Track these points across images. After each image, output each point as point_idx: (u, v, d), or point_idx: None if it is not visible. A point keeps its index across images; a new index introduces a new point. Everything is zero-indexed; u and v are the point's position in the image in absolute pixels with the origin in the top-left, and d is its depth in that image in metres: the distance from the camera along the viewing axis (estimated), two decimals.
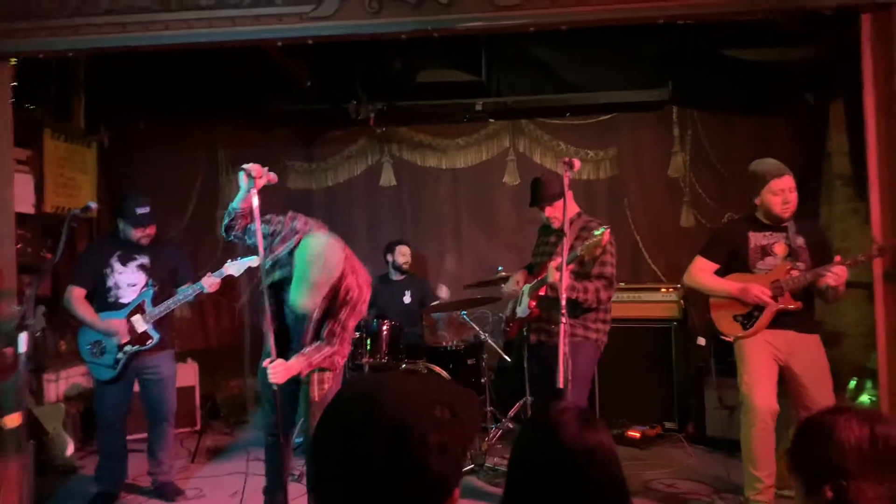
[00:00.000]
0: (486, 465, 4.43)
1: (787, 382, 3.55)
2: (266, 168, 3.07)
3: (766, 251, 3.59)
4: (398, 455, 0.92)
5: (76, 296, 3.97)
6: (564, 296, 3.06)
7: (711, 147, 5.69)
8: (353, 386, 1.05)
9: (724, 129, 5.64)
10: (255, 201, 3.02)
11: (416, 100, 5.62)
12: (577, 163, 3.22)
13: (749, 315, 3.58)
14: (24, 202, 4.91)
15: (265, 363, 3.06)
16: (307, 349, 3.11)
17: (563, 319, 3.01)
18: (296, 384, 3.20)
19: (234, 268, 3.91)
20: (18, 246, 4.13)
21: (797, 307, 3.50)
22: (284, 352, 3.12)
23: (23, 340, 3.05)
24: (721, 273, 3.68)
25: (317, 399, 3.20)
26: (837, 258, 3.44)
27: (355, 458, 0.93)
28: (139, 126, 5.88)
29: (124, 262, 4.01)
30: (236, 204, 3.11)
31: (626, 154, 5.94)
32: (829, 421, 1.37)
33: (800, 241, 3.56)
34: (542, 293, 3.76)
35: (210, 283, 3.89)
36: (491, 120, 6.03)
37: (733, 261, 3.66)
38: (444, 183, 6.21)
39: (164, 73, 5.01)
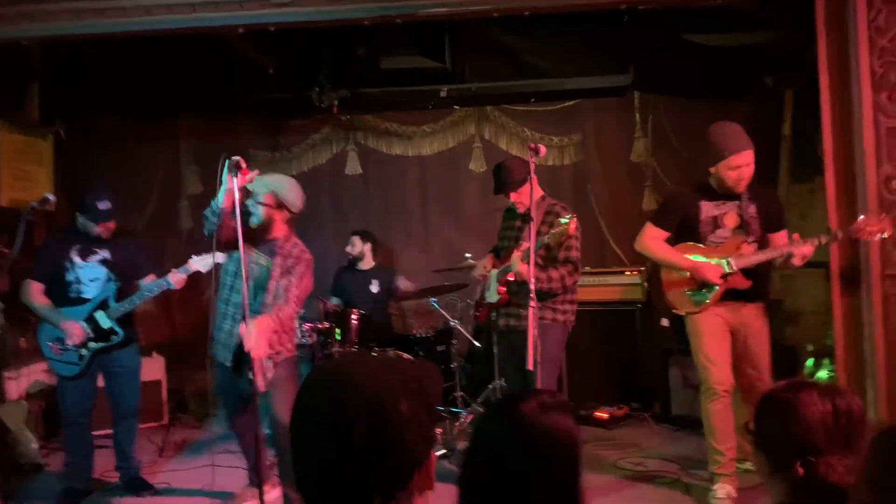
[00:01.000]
0: (458, 449, 4.46)
1: (732, 348, 3.60)
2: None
3: (717, 223, 3.58)
4: (377, 429, 0.96)
5: (34, 290, 3.89)
6: (539, 283, 3.10)
7: (673, 132, 5.78)
8: (323, 370, 1.08)
9: (686, 114, 5.73)
10: (237, 196, 3.02)
11: (380, 87, 5.58)
12: (542, 149, 3.26)
13: (699, 292, 3.61)
14: None
15: (239, 331, 3.18)
16: (270, 310, 3.31)
17: (532, 303, 3.05)
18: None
19: (200, 264, 3.84)
20: None
21: (748, 285, 3.52)
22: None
23: None
24: (672, 241, 3.69)
25: (262, 389, 3.23)
26: (796, 236, 3.46)
27: (337, 436, 0.96)
28: (97, 117, 5.74)
29: (84, 257, 3.93)
30: (221, 200, 3.15)
31: (589, 140, 5.99)
32: (791, 398, 1.39)
33: (752, 209, 3.55)
34: (510, 278, 3.79)
35: (176, 279, 3.83)
36: (456, 107, 6.02)
37: (684, 229, 3.66)
38: (411, 171, 6.20)
39: (124, 62, 4.90)
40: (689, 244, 3.64)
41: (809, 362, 4.47)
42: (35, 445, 4.56)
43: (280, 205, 3.44)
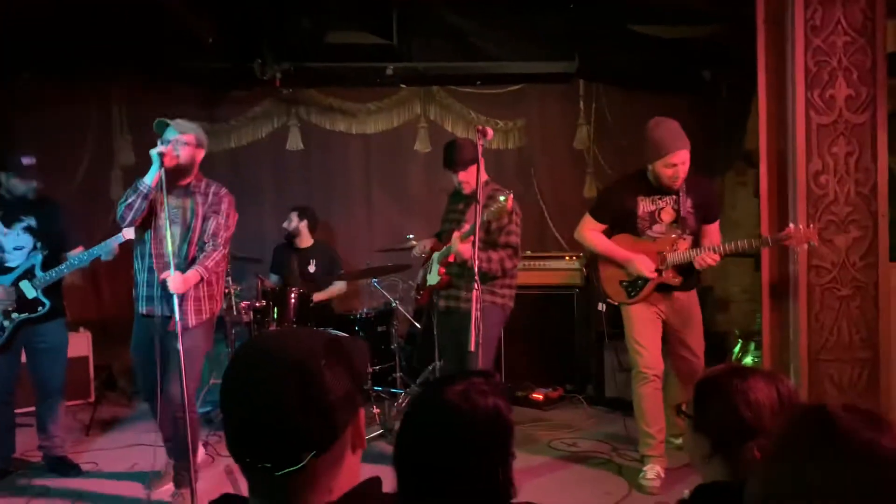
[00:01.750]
0: (396, 430, 4.46)
1: (666, 334, 3.76)
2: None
3: (654, 217, 3.68)
4: (305, 389, 1.01)
5: None
6: (478, 262, 3.12)
7: (614, 120, 5.88)
8: (252, 339, 1.13)
9: (627, 103, 5.84)
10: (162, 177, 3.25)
11: (325, 62, 5.48)
12: (489, 131, 3.28)
13: (633, 283, 3.71)
14: None
15: (162, 276, 3.28)
16: (198, 261, 3.42)
17: (476, 285, 3.07)
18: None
19: (131, 231, 3.71)
20: None
21: (678, 282, 3.65)
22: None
23: None
24: (609, 232, 3.79)
25: (178, 329, 3.21)
26: (712, 229, 3.65)
27: (265, 397, 1.01)
28: (23, 77, 5.43)
29: (8, 224, 3.75)
30: (149, 180, 3.32)
31: (533, 125, 6.04)
32: (739, 384, 1.44)
33: (688, 203, 3.64)
34: (451, 260, 3.80)
35: (109, 249, 3.69)
36: (402, 85, 5.96)
37: (621, 223, 3.75)
38: (354, 148, 6.11)
39: (55, 22, 4.64)
40: (625, 236, 3.74)
41: (737, 348, 4.66)
42: None
43: (200, 144, 3.53)
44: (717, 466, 1.45)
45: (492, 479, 1.35)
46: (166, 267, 3.29)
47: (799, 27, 3.44)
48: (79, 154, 5.86)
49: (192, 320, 3.43)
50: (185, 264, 3.40)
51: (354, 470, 1.10)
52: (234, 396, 1.05)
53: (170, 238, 3.21)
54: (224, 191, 3.56)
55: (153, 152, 3.27)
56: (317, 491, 1.04)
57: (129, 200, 3.35)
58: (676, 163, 3.53)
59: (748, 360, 4.45)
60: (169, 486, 3.59)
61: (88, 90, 5.82)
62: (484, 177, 3.77)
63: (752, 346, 4.50)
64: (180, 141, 3.41)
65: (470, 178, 3.78)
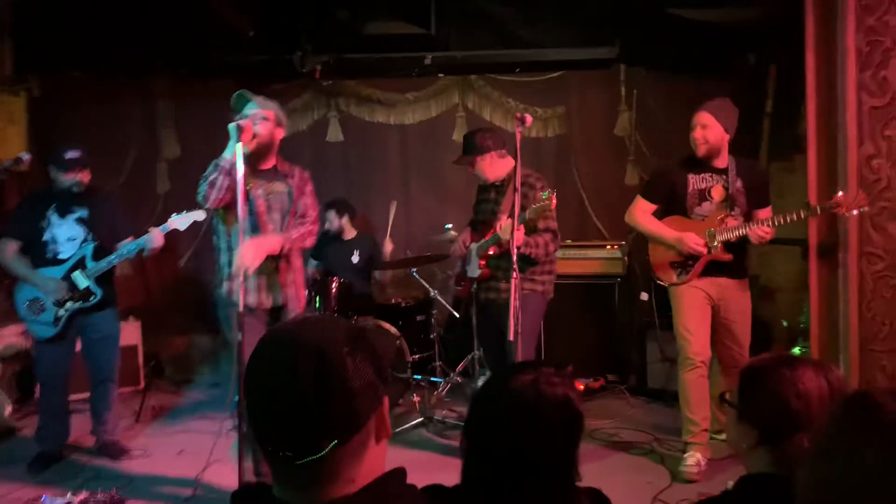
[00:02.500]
0: (436, 418, 4.50)
1: (714, 322, 3.70)
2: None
3: (703, 196, 3.66)
4: (325, 376, 1.00)
5: (10, 249, 3.82)
6: (515, 251, 3.11)
7: (657, 106, 5.77)
8: (273, 330, 1.12)
9: (670, 89, 5.72)
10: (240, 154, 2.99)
11: (363, 52, 5.49)
12: (528, 118, 3.25)
13: (684, 264, 3.68)
14: None
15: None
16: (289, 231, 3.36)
17: (515, 274, 3.06)
18: None
19: (179, 222, 3.80)
20: None
21: (729, 259, 3.61)
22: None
23: None
24: (660, 214, 3.77)
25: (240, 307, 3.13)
26: (763, 214, 3.57)
27: (286, 384, 1.01)
28: (73, 75, 5.58)
29: (62, 215, 3.86)
30: (228, 154, 3.16)
31: (573, 112, 5.97)
32: (782, 372, 1.40)
33: (738, 184, 3.64)
34: (491, 252, 3.80)
35: (155, 237, 3.77)
36: (440, 75, 5.95)
37: (672, 202, 3.73)
38: (392, 139, 6.13)
39: (99, 19, 4.76)
40: (675, 217, 3.71)
41: (796, 350, 4.53)
42: (9, 409, 4.51)
43: (279, 122, 3.42)
44: (762, 457, 1.42)
45: (559, 468, 1.35)
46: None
47: (850, 6, 3.32)
48: (125, 148, 6.01)
49: (294, 306, 3.40)
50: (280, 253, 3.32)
51: (379, 461, 1.09)
52: (255, 384, 1.05)
53: (268, 223, 3.22)
54: (307, 175, 3.53)
55: (231, 126, 3.03)
56: (339, 481, 1.04)
57: (211, 177, 3.18)
58: (696, 123, 3.58)
59: (795, 350, 4.34)
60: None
61: (134, 85, 5.96)
62: (511, 163, 3.77)
63: (800, 336, 4.39)
64: (258, 116, 3.26)
65: (485, 167, 3.83)
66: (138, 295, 5.91)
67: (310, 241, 3.47)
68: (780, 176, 5.41)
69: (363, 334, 1.08)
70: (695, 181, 3.67)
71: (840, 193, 3.26)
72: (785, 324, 4.72)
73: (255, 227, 3.27)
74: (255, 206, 3.28)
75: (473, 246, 3.97)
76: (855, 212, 3.24)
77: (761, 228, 3.47)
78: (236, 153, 2.94)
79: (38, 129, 5.60)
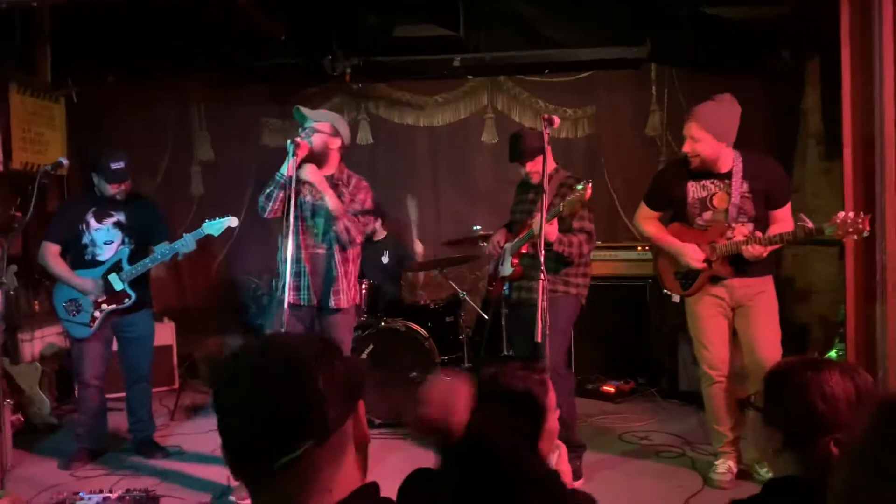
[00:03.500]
0: None
1: (735, 326, 3.52)
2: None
3: (705, 204, 3.46)
4: (294, 378, 1.04)
5: (51, 252, 3.92)
6: (543, 252, 3.09)
7: (689, 106, 5.65)
8: (244, 347, 1.17)
9: (702, 88, 5.60)
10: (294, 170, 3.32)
11: (393, 55, 5.53)
12: (556, 119, 3.21)
13: (686, 275, 3.52)
14: None
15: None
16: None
17: (542, 276, 3.04)
18: None
19: (212, 228, 3.86)
20: None
21: (729, 275, 3.41)
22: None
23: None
24: (666, 219, 3.64)
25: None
26: (780, 216, 3.40)
27: (259, 391, 1.05)
28: (109, 80, 5.72)
29: (100, 219, 3.96)
30: (284, 171, 3.41)
31: (603, 112, 5.93)
32: (814, 377, 1.38)
33: (745, 188, 3.39)
34: (524, 251, 3.79)
35: (189, 243, 3.85)
36: (469, 77, 5.96)
37: (673, 209, 3.59)
38: (422, 141, 6.16)
39: (134, 25, 4.87)
40: (678, 225, 3.57)
41: (832, 354, 4.41)
42: (49, 406, 4.63)
43: (335, 132, 3.56)
44: (788, 461, 1.40)
45: (518, 462, 1.35)
46: (313, 258, 3.51)
47: (887, 2, 3.25)
48: (160, 151, 6.14)
49: (344, 301, 3.60)
50: (329, 252, 3.55)
51: (356, 472, 1.10)
52: (229, 392, 1.08)
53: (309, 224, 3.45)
54: (364, 182, 3.66)
55: (288, 142, 3.35)
56: (317, 490, 1.05)
57: (268, 191, 3.48)
58: (686, 135, 3.42)
59: (832, 353, 4.24)
60: None
61: (168, 90, 6.09)
62: (552, 165, 3.73)
63: (836, 338, 4.29)
64: (312, 129, 3.50)
65: (538, 167, 3.75)
66: (173, 296, 6.03)
67: (357, 234, 3.57)
68: (817, 175, 5.30)
69: (334, 347, 1.13)
70: (694, 189, 3.49)
71: (840, 214, 3.04)
72: (820, 325, 4.62)
73: (297, 231, 3.43)
74: (302, 211, 3.49)
75: (507, 245, 3.96)
76: (854, 237, 3.04)
77: (755, 248, 3.26)
78: (291, 166, 3.24)
79: (77, 134, 5.75)
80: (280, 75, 5.95)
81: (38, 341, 5.04)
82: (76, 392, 4.17)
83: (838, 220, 3.02)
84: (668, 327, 5.08)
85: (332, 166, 3.57)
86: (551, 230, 3.49)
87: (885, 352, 3.34)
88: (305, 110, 3.51)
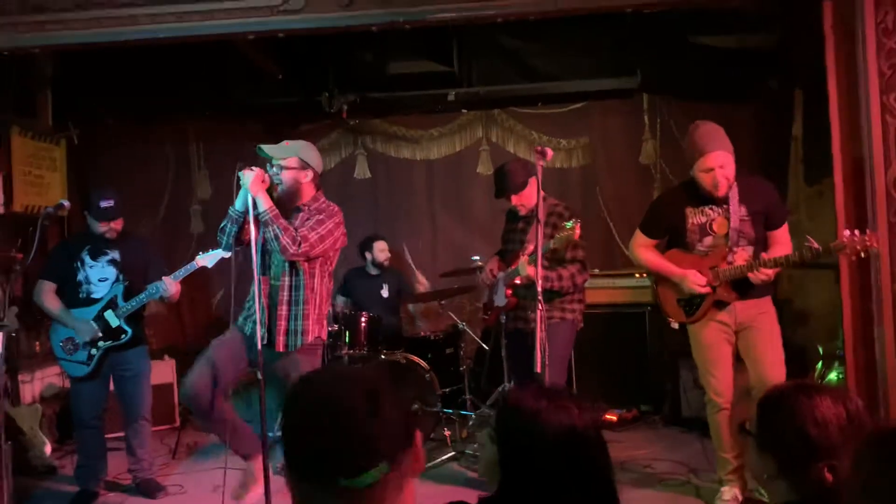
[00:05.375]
0: (467, 451, 4.48)
1: (741, 352, 3.50)
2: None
3: (704, 230, 3.44)
4: (374, 400, 1.08)
5: (46, 290, 3.97)
6: (548, 283, 3.10)
7: (681, 133, 5.75)
8: (319, 371, 1.24)
9: (694, 116, 5.64)
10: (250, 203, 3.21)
11: (388, 91, 5.61)
12: (549, 152, 3.24)
13: (690, 301, 3.49)
14: None
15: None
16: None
17: (540, 306, 3.06)
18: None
19: (205, 260, 3.91)
20: None
21: (734, 299, 3.40)
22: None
23: None
24: (663, 247, 3.62)
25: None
26: (779, 236, 3.39)
27: (338, 419, 1.07)
28: (108, 122, 5.80)
29: (95, 257, 4.00)
30: (238, 204, 3.28)
31: (597, 142, 6.00)
32: (804, 402, 1.39)
33: (742, 211, 3.38)
34: (517, 282, 3.81)
35: (168, 285, 3.86)
36: (464, 110, 6.05)
37: (673, 237, 3.57)
38: (419, 174, 6.23)
39: (132, 67, 4.96)
40: (676, 251, 3.55)
41: (819, 364, 4.45)
42: (48, 448, 4.61)
43: (304, 165, 3.36)
44: (782, 487, 1.40)
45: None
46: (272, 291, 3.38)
47: (870, 31, 3.33)
48: (160, 191, 6.20)
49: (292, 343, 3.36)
50: (289, 284, 3.33)
51: (413, 498, 1.13)
52: (305, 410, 1.11)
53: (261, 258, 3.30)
54: (331, 207, 3.38)
55: (238, 173, 3.23)
56: None
57: (221, 224, 3.37)
58: (713, 166, 3.29)
59: (832, 376, 4.24)
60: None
61: (167, 130, 6.17)
62: (541, 193, 3.77)
63: (836, 362, 4.29)
64: (280, 166, 3.34)
65: (524, 200, 3.80)
66: (173, 334, 6.03)
67: (288, 244, 3.18)
68: (811, 199, 5.35)
69: (401, 372, 1.18)
70: (693, 216, 3.47)
71: (846, 232, 3.08)
72: (821, 350, 4.62)
73: (260, 266, 3.31)
74: (263, 245, 3.31)
75: (501, 275, 3.99)
76: (860, 255, 3.06)
77: (763, 273, 3.25)
78: (247, 199, 3.17)
79: (78, 176, 5.81)
80: (278, 112, 6.04)
81: (38, 382, 5.04)
82: (75, 433, 4.16)
83: (846, 240, 3.04)
84: (669, 353, 5.08)
85: (307, 196, 3.41)
86: (532, 273, 3.40)
87: (885, 373, 3.35)
88: (268, 148, 3.35)
